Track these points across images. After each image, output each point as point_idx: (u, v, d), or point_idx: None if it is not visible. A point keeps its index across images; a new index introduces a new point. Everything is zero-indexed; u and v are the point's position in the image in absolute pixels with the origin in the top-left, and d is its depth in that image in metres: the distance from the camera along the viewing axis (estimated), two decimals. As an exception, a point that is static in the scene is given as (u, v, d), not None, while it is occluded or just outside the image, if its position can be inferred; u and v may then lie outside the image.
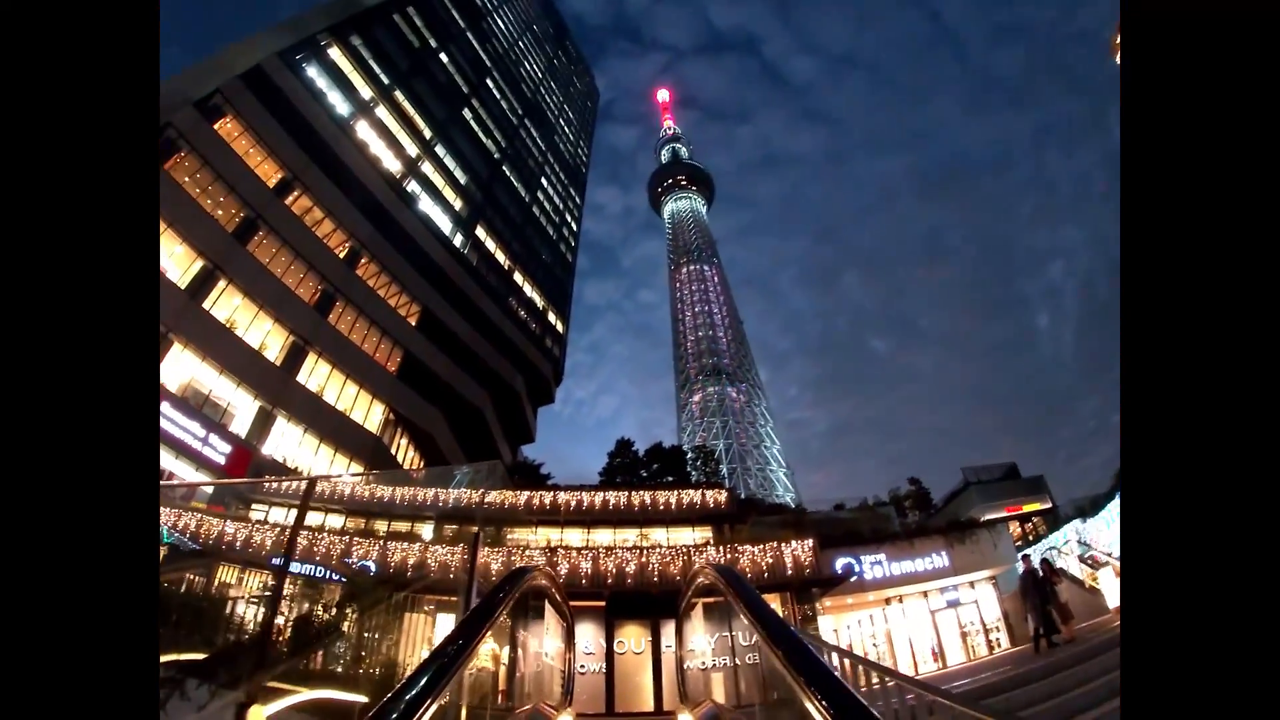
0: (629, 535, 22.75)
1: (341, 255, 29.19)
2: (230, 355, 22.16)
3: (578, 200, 67.48)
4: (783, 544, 18.56)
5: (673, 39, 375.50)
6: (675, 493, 24.22)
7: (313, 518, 19.46)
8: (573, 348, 55.13)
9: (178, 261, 21.55)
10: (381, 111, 35.02)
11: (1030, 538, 27.35)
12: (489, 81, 51.75)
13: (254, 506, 19.18)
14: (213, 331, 21.68)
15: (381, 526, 21.05)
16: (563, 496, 23.68)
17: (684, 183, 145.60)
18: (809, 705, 2.46)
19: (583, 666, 16.53)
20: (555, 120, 68.34)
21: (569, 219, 61.81)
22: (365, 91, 34.27)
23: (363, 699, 5.58)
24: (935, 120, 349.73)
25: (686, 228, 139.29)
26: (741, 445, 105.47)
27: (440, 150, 39.96)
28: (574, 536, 22.59)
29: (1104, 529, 18.28)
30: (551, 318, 49.72)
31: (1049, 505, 32.76)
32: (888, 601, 19.57)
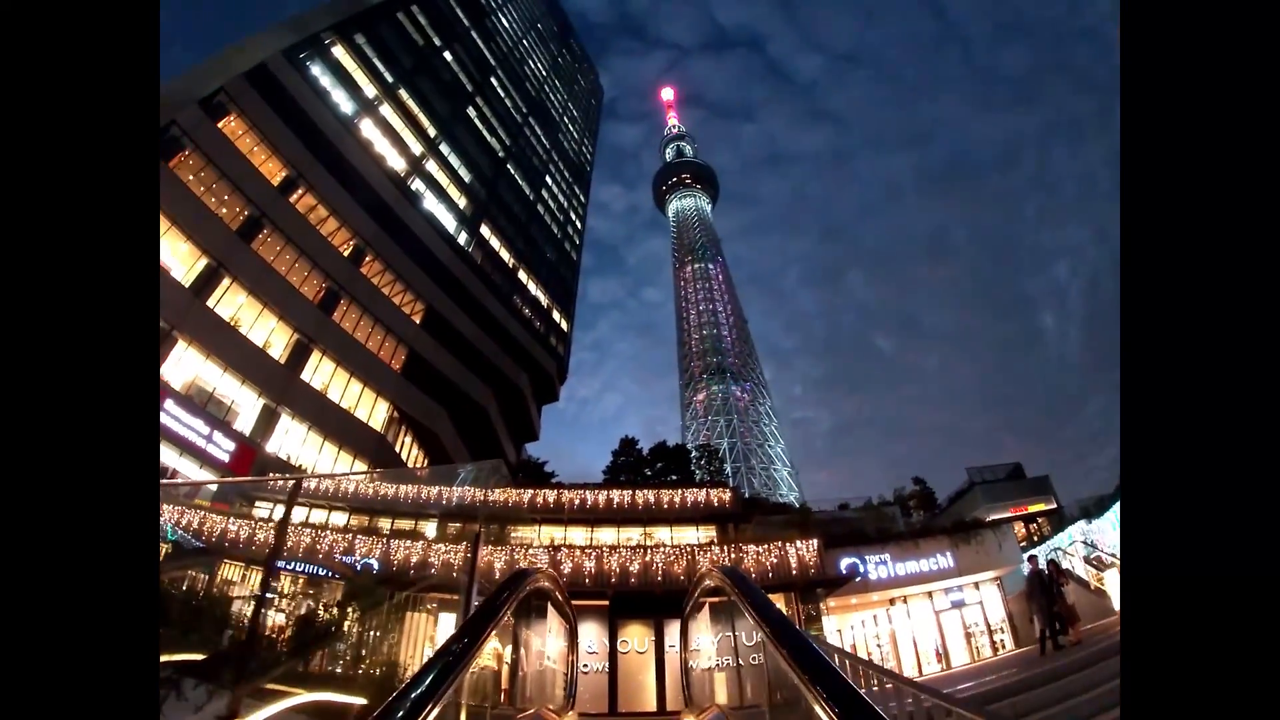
0: (633, 534, 22.72)
1: (346, 253, 29.19)
2: (234, 353, 22.18)
3: (582, 198, 67.42)
4: (787, 544, 18.50)
5: (677, 36, 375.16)
6: (679, 492, 24.17)
7: (316, 515, 19.50)
8: (577, 345, 55.06)
9: (182, 259, 21.57)
10: (386, 110, 35.02)
11: (1035, 538, 27.24)
12: (493, 80, 51.73)
13: (257, 504, 19.22)
14: (217, 329, 21.70)
15: (382, 525, 21.07)
16: (567, 495, 23.65)
17: (688, 181, 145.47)
18: (819, 709, 2.41)
19: (586, 666, 16.50)
20: (559, 118, 68.29)
21: (573, 217, 61.75)
22: (369, 90, 34.28)
23: (361, 701, 5.53)
24: (940, 118, 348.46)
25: (691, 226, 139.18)
26: (746, 444, 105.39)
27: (444, 148, 39.94)
28: (578, 535, 22.56)
29: (1109, 530, 18.15)
30: (556, 316, 49.69)
31: (1054, 506, 32.66)
32: (892, 602, 19.49)
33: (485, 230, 41.70)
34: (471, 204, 41.06)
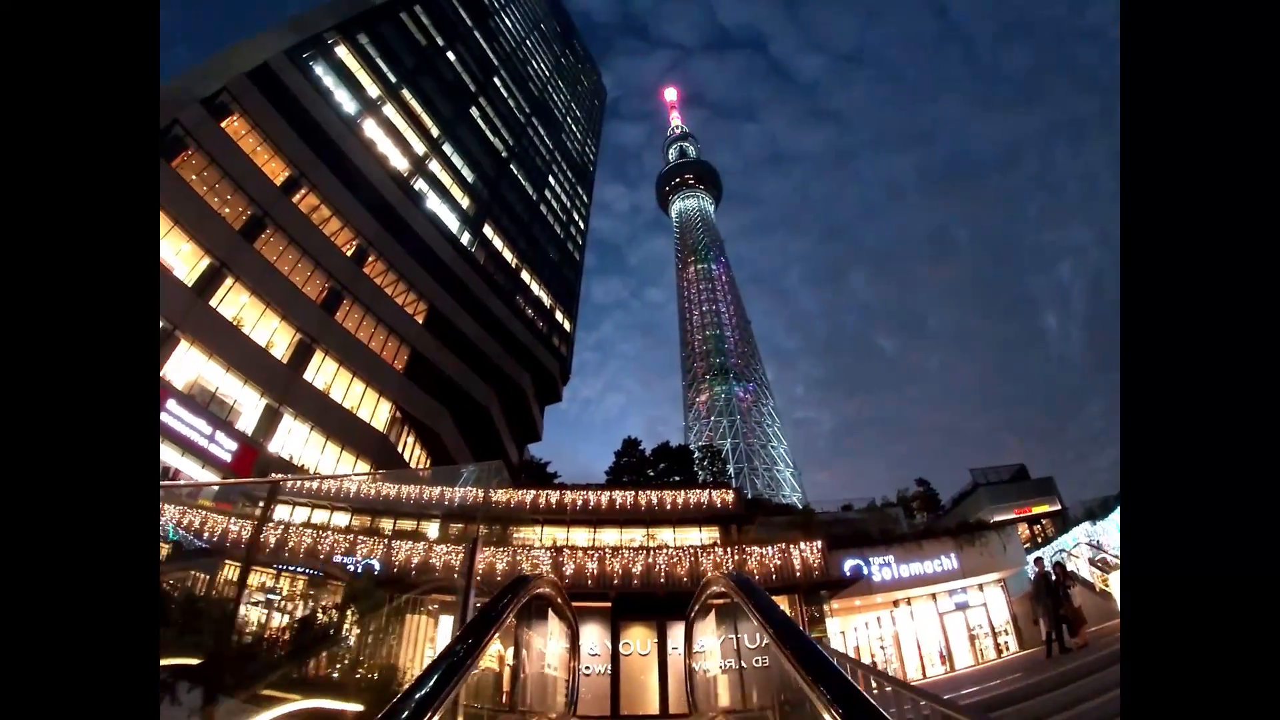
0: (635, 535, 22.67)
1: (349, 253, 29.16)
2: (237, 353, 22.15)
3: (585, 198, 67.36)
4: (791, 545, 18.44)
5: (680, 37, 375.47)
6: (682, 492, 24.13)
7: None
8: (580, 345, 54.93)
9: (184, 259, 21.55)
10: (389, 110, 34.99)
11: (1039, 540, 27.10)
12: (496, 80, 51.71)
13: (259, 504, 19.15)
14: (219, 329, 21.67)
15: (382, 525, 20.98)
16: (569, 496, 23.62)
17: (691, 181, 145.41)
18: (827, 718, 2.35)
19: (588, 668, 16.43)
20: (562, 118, 68.24)
21: (576, 217, 61.69)
22: (372, 90, 34.24)
23: (358, 708, 5.45)
24: (943, 118, 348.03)
25: (694, 226, 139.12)
26: (748, 445, 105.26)
27: (447, 148, 39.90)
28: (580, 536, 22.51)
29: (1115, 531, 18.06)
30: (559, 316, 49.63)
31: (1058, 507, 32.45)
32: (895, 604, 19.42)
33: (488, 230, 41.65)
34: (474, 204, 41.02)
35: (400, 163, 34.49)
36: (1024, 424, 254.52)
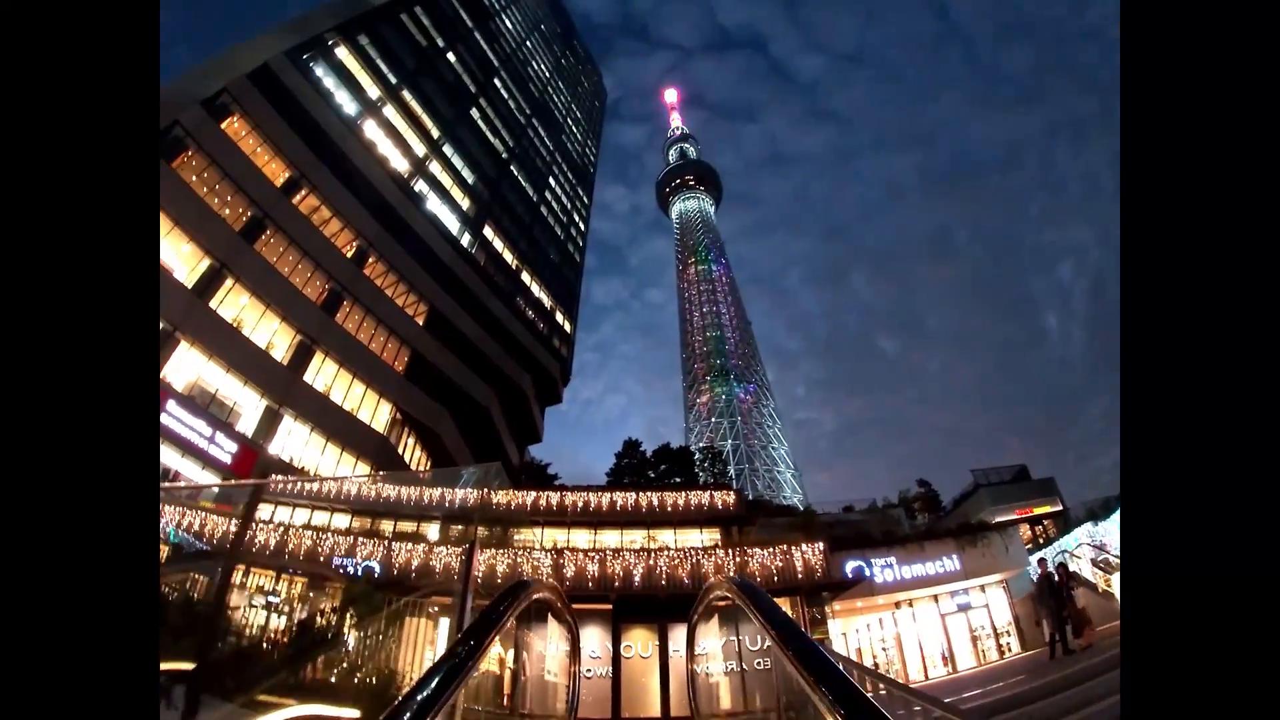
0: (636, 537, 22.62)
1: (349, 254, 29.12)
2: (237, 354, 22.11)
3: (585, 199, 67.32)
4: (793, 547, 18.38)
5: (680, 37, 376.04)
6: (683, 494, 24.09)
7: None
8: (580, 346, 54.85)
9: (185, 260, 21.52)
10: (389, 111, 34.96)
11: (1041, 540, 26.98)
12: (496, 81, 51.69)
13: (260, 506, 19.10)
14: (219, 330, 21.63)
15: (382, 527, 20.94)
16: (570, 497, 23.57)
17: (692, 183, 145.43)
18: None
19: (589, 671, 16.37)
20: (563, 119, 68.23)
21: (577, 218, 61.66)
22: (373, 91, 34.22)
23: (354, 714, 5.39)
24: (943, 118, 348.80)
25: (694, 228, 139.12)
26: (749, 446, 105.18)
27: (448, 150, 39.88)
28: (581, 538, 22.46)
29: (1117, 532, 18.00)
30: (559, 317, 49.57)
31: (1060, 508, 32.34)
32: (897, 605, 19.36)
33: (489, 231, 41.62)
34: (475, 205, 40.99)
35: (401, 164, 34.47)
36: (1025, 424, 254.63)
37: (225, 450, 20.05)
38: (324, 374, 26.29)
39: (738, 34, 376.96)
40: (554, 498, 23.62)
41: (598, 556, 18.37)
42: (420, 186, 35.64)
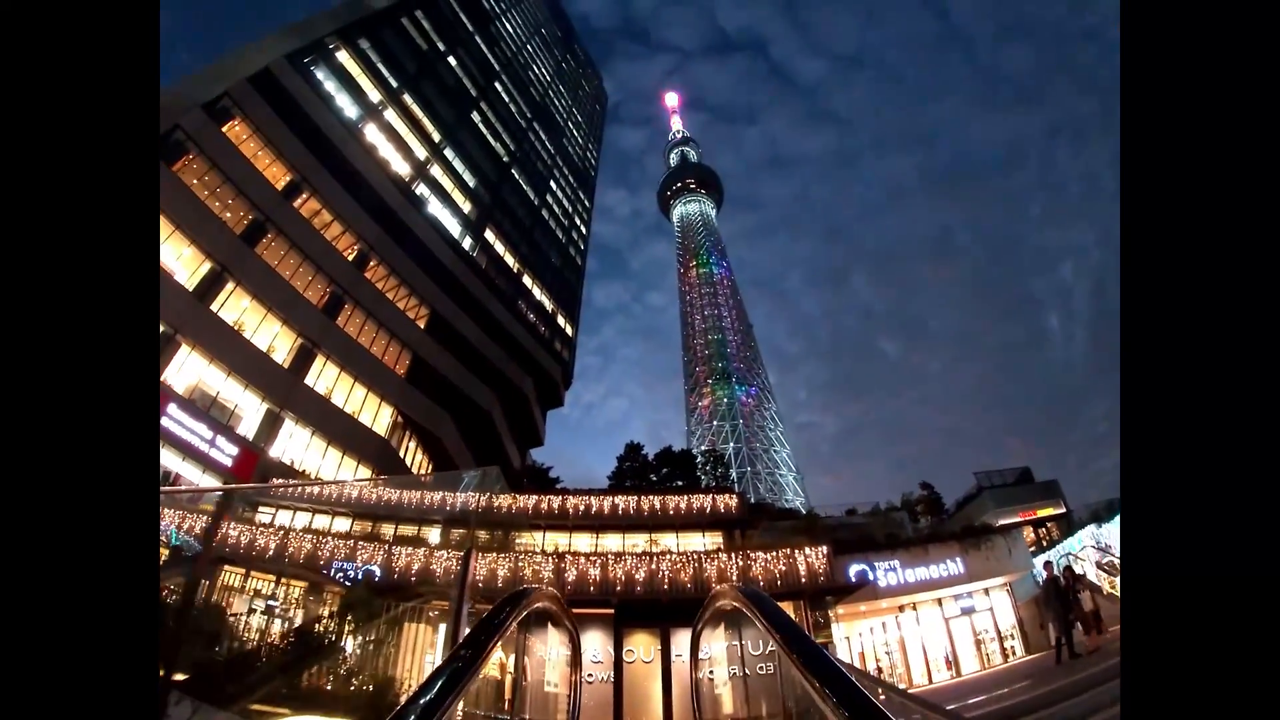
0: (638, 540, 22.52)
1: (350, 258, 29.11)
2: (238, 357, 22.08)
3: (586, 202, 67.34)
4: (796, 550, 18.27)
5: (680, 41, 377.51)
6: (685, 497, 23.97)
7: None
8: (581, 350, 54.82)
9: (186, 263, 21.52)
10: (390, 114, 34.99)
11: (1044, 543, 26.86)
12: (497, 85, 51.75)
13: (260, 509, 19.06)
14: (221, 333, 21.61)
15: (374, 530, 20.87)
16: (571, 501, 23.48)
17: (693, 186, 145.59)
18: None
19: (590, 675, 16.26)
20: (564, 123, 68.31)
21: (578, 222, 61.66)
22: (373, 94, 34.25)
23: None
24: (943, 119, 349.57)
25: (695, 231, 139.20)
26: (751, 449, 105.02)
27: (449, 153, 39.91)
28: (582, 541, 22.37)
29: (1123, 534, 17.90)
30: (560, 320, 49.54)
31: (1063, 510, 32.24)
32: (901, 609, 19.24)
33: (490, 235, 41.61)
34: (476, 209, 40.99)
35: (402, 167, 34.49)
36: (1027, 426, 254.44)
37: (226, 453, 20.01)
38: (325, 377, 26.26)
39: (738, 37, 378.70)
40: (555, 501, 23.53)
41: (599, 560, 18.27)
42: (421, 190, 35.64)
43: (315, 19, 31.21)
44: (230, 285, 22.59)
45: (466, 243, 38.20)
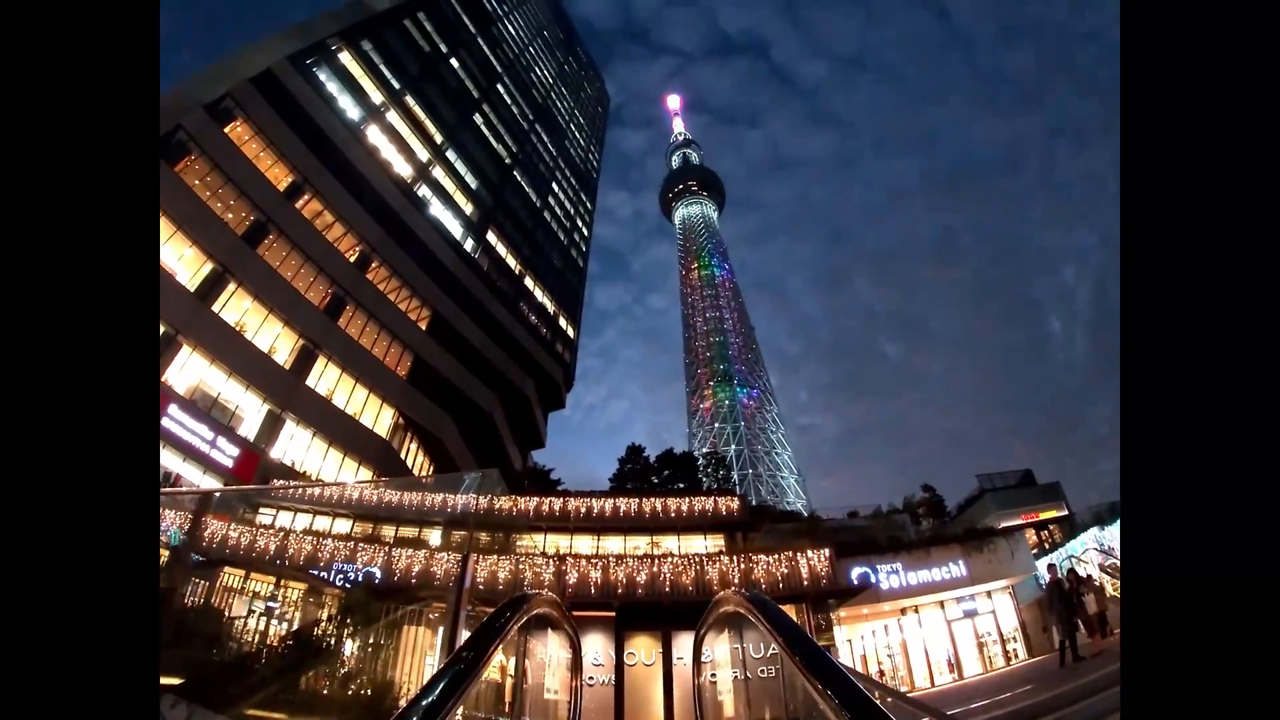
0: (639, 542, 22.47)
1: (352, 259, 29.11)
2: (239, 358, 22.07)
3: (588, 204, 67.36)
4: (798, 553, 18.20)
5: (682, 43, 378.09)
6: (686, 499, 23.93)
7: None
8: (583, 352, 54.76)
9: (187, 264, 21.51)
10: (392, 116, 35.01)
11: (1047, 545, 26.80)
12: (499, 87, 51.79)
13: (261, 510, 19.03)
14: (222, 334, 21.59)
15: (374, 532, 20.83)
16: (573, 503, 23.45)
17: (695, 188, 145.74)
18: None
19: (591, 678, 16.20)
20: (566, 125, 68.36)
21: (580, 224, 61.67)
22: (376, 96, 34.27)
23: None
24: (945, 121, 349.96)
25: (697, 233, 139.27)
26: (753, 451, 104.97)
27: (451, 155, 39.92)
28: (583, 544, 22.32)
29: (1126, 537, 17.83)
30: (562, 322, 49.51)
31: (1065, 512, 32.18)
32: (903, 611, 19.19)
33: (492, 237, 41.61)
34: (478, 210, 40.99)
35: (404, 169, 34.49)
36: (1030, 428, 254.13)
37: (227, 455, 20.00)
38: (326, 378, 26.25)
39: (739, 39, 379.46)
40: (557, 503, 23.49)
41: (601, 563, 18.21)
42: (423, 191, 35.64)
43: (317, 20, 31.23)
44: (232, 286, 22.58)
45: (469, 244, 38.20)
